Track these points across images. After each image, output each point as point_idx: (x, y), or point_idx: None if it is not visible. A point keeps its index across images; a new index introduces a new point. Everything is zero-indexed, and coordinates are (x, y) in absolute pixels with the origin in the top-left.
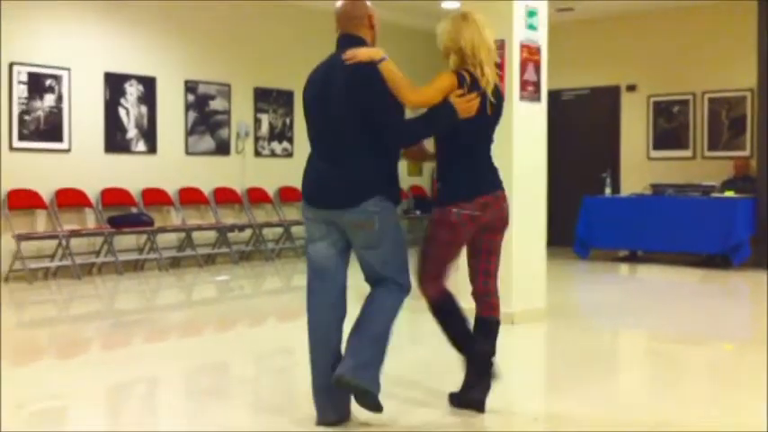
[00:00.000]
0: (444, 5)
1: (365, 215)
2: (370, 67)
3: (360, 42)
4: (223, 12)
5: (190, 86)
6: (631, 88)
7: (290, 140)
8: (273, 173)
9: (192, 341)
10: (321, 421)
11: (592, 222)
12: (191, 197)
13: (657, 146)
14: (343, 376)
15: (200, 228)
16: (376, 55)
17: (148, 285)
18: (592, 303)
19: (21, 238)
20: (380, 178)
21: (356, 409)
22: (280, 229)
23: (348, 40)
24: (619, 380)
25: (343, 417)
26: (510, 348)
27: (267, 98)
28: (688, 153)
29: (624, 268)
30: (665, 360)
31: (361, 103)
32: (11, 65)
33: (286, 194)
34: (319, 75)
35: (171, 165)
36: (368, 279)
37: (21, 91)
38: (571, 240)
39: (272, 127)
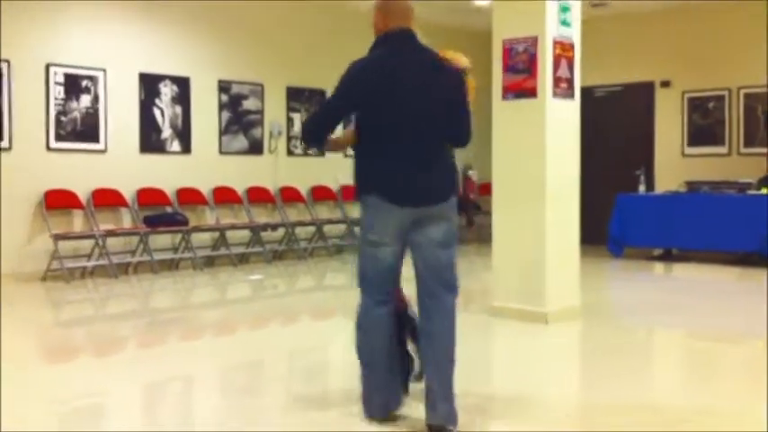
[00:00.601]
0: (476, 2)
1: (453, 210)
2: (460, 73)
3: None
4: (255, 11)
5: (223, 86)
6: (665, 84)
7: None
8: (306, 172)
9: (227, 339)
10: (374, 415)
11: (626, 220)
12: (224, 196)
13: (692, 142)
14: (445, 427)
15: (233, 227)
16: (467, 63)
17: (183, 284)
18: (626, 302)
19: (58, 237)
20: (455, 178)
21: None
22: (312, 228)
23: (411, 34)
24: (653, 378)
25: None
26: (544, 347)
27: (299, 97)
28: (723, 150)
29: (659, 267)
30: (700, 358)
31: (450, 103)
32: (47, 66)
33: (318, 193)
34: (390, 69)
35: (205, 164)
36: (425, 284)
37: (57, 92)
38: (605, 239)
39: None
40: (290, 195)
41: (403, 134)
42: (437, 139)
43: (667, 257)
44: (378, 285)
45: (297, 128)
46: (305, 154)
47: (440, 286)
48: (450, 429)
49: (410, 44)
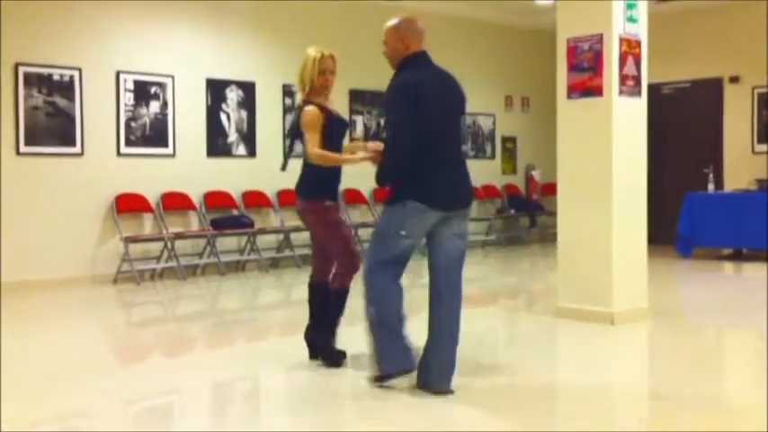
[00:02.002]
0: (538, 2)
1: (470, 209)
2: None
3: None
4: (319, 14)
5: (287, 90)
6: (734, 80)
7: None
8: (369, 174)
9: (293, 340)
10: (396, 369)
11: (694, 219)
12: (289, 199)
13: (762, 139)
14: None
15: (298, 229)
16: None
17: (249, 285)
18: (696, 303)
19: (128, 240)
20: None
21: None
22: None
23: (428, 55)
24: (725, 381)
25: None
26: (612, 348)
27: (362, 99)
28: None
29: (728, 267)
30: None
31: (464, 116)
32: (117, 73)
33: (380, 195)
34: (436, 82)
35: (270, 168)
36: (443, 271)
37: (127, 98)
38: (673, 239)
39: (366, 128)
40: (352, 197)
41: (442, 144)
42: (462, 148)
43: (737, 257)
44: (398, 266)
45: (359, 130)
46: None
47: (456, 273)
48: (451, 391)
49: (432, 64)
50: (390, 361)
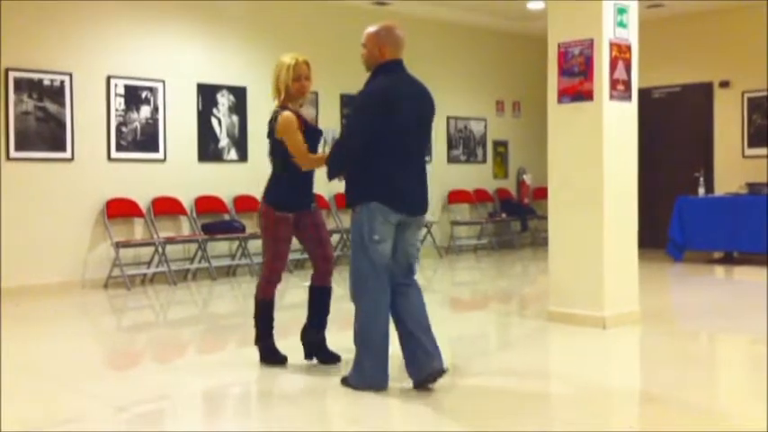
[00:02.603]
0: (530, 6)
1: (424, 218)
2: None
3: None
4: (310, 18)
5: None
6: (725, 84)
7: None
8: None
9: (285, 344)
10: (382, 386)
11: (685, 223)
12: None
13: (753, 143)
14: (444, 369)
15: None
16: None
17: (241, 290)
18: (687, 306)
19: (119, 245)
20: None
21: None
22: (337, 236)
23: (403, 64)
24: (718, 385)
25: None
26: (603, 353)
27: (353, 104)
28: None
29: (720, 270)
30: (765, 364)
31: (430, 125)
32: (108, 78)
33: (343, 201)
34: (407, 90)
35: (261, 172)
36: (398, 273)
37: (118, 103)
38: (664, 242)
39: None
40: (345, 202)
41: (409, 151)
42: (424, 156)
43: (728, 261)
44: (381, 275)
45: None
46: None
47: (411, 275)
48: (445, 369)
49: (405, 73)
50: (361, 377)
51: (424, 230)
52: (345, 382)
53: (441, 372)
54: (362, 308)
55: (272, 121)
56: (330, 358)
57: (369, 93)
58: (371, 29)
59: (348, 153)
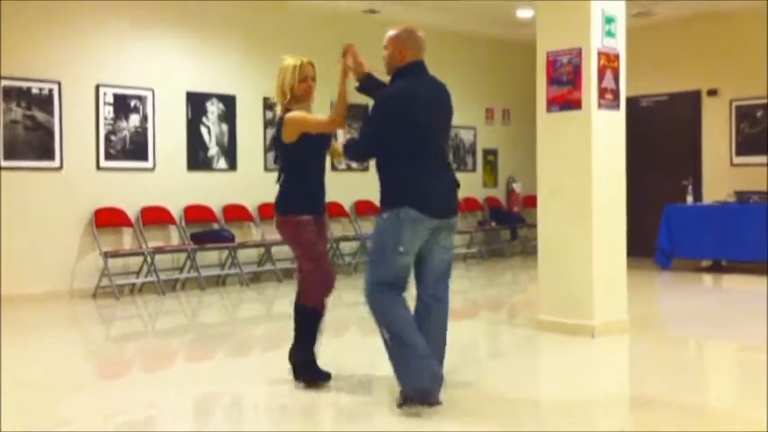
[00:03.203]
0: (519, 14)
1: (457, 221)
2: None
3: None
4: (300, 26)
5: (268, 104)
6: (713, 93)
7: None
8: (349, 187)
9: (274, 354)
10: (429, 386)
11: (674, 232)
12: (270, 212)
13: (741, 152)
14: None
15: (279, 243)
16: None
17: (230, 300)
18: (676, 314)
19: (108, 255)
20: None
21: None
22: (356, 243)
23: (425, 66)
24: (707, 392)
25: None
26: (592, 361)
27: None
28: None
29: (708, 278)
30: (754, 372)
31: (449, 128)
32: (97, 86)
33: (362, 208)
34: (427, 92)
35: (251, 181)
36: (431, 282)
37: (107, 112)
38: (653, 251)
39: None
40: (333, 210)
41: (432, 153)
42: (447, 158)
43: (717, 269)
44: (398, 287)
45: (340, 143)
46: (348, 168)
47: (443, 285)
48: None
49: (427, 75)
50: (413, 380)
51: None
52: (399, 404)
53: (436, 404)
54: (383, 315)
55: (280, 126)
56: (318, 376)
57: (388, 95)
58: (392, 32)
59: (361, 152)
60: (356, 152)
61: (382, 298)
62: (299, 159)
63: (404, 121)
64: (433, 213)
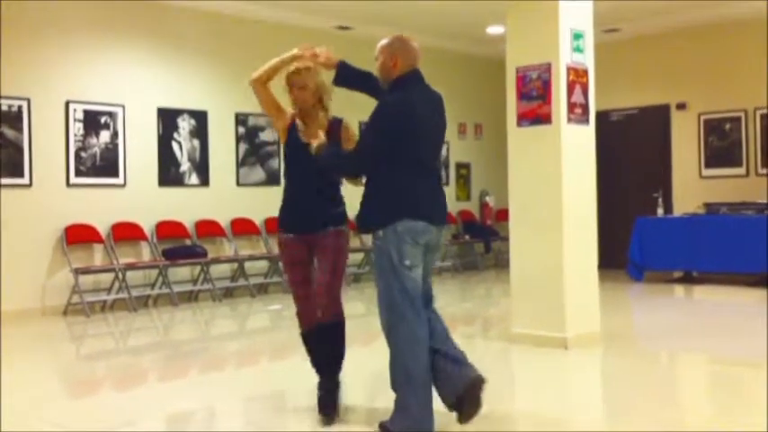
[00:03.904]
0: (489, 31)
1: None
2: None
3: None
4: (271, 41)
5: (240, 119)
6: (681, 106)
7: None
8: (353, 197)
9: (248, 371)
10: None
11: (645, 244)
12: (243, 228)
13: (710, 164)
14: (480, 376)
15: (252, 258)
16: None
17: (203, 316)
18: (648, 326)
19: (79, 271)
20: None
21: None
22: (358, 255)
23: (421, 75)
24: (679, 405)
25: None
26: (565, 374)
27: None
28: (741, 171)
29: (680, 290)
30: (725, 384)
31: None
32: (67, 103)
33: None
34: (424, 103)
35: (223, 197)
36: (426, 293)
37: (77, 128)
38: (624, 263)
39: None
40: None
41: (424, 165)
42: (440, 169)
43: (688, 280)
44: (415, 305)
45: None
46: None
47: (431, 301)
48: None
49: (422, 84)
50: (407, 419)
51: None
52: (385, 428)
53: (480, 380)
54: (399, 343)
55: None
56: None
57: (386, 106)
58: (384, 40)
59: (357, 166)
60: (352, 166)
61: (398, 331)
62: (285, 166)
63: (399, 133)
64: (429, 220)
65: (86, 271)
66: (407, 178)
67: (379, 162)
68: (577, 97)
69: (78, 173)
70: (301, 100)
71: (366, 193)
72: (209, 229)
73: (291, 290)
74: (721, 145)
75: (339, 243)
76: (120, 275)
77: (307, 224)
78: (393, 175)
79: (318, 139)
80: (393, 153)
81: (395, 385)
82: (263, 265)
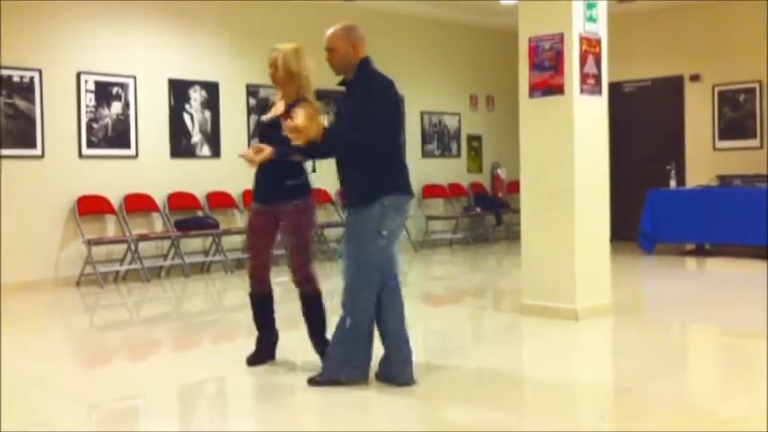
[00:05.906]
0: (502, 2)
1: None
2: None
3: None
4: (282, 14)
5: (251, 91)
6: (695, 78)
7: None
8: (333, 174)
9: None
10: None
11: (657, 216)
12: None
13: (723, 136)
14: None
15: None
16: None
17: (215, 287)
18: (659, 298)
19: (91, 243)
20: None
21: None
22: (340, 230)
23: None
24: (689, 376)
25: None
26: (575, 345)
27: (326, 99)
28: (755, 143)
29: (691, 262)
30: (736, 355)
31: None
32: (78, 74)
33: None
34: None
35: (234, 168)
36: (390, 267)
37: (88, 99)
38: (636, 235)
39: None
40: (318, 197)
41: (399, 141)
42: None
43: (700, 252)
44: (380, 273)
45: None
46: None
47: (397, 268)
48: (415, 381)
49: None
50: (338, 369)
51: None
52: (314, 382)
53: (410, 383)
54: (359, 305)
55: None
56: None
57: (381, 80)
58: (338, 29)
59: (365, 145)
60: (360, 147)
61: (362, 292)
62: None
63: (395, 108)
64: (411, 192)
65: (99, 242)
66: (394, 155)
67: (386, 135)
68: (590, 68)
69: (90, 144)
70: (274, 78)
71: (360, 171)
72: (220, 200)
73: (248, 254)
74: (735, 117)
75: (300, 222)
76: (133, 246)
77: (267, 194)
78: (386, 152)
79: (297, 121)
80: (388, 126)
81: (338, 336)
82: None
